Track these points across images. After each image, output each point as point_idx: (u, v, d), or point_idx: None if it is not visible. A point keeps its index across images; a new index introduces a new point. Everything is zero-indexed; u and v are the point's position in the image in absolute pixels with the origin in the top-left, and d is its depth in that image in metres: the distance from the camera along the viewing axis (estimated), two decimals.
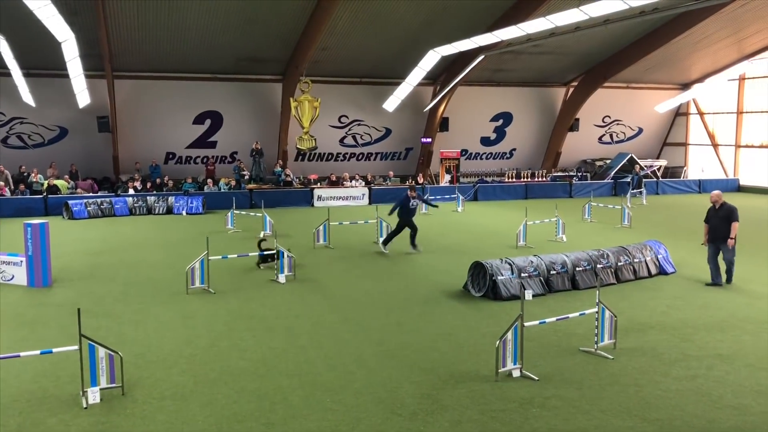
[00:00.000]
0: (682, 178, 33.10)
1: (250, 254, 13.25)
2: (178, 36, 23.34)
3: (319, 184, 27.97)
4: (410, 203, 15.34)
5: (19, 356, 7.17)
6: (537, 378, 7.54)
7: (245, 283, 12.42)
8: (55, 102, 25.31)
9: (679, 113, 34.93)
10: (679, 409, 6.76)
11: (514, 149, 33.03)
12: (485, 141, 32.38)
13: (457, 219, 21.82)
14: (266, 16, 22.48)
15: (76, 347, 6.83)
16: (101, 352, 6.98)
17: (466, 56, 25.17)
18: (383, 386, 7.38)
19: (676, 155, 35.27)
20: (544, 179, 30.81)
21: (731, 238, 11.94)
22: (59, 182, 24.33)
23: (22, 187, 24.17)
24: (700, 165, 34.14)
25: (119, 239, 17.93)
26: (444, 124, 29.99)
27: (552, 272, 11.70)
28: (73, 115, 25.64)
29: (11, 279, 12.44)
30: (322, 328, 9.62)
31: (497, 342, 7.51)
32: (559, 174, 31.62)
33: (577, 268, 11.93)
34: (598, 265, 12.13)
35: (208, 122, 27.92)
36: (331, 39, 24.18)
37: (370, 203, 25.76)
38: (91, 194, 24.36)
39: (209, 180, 26.12)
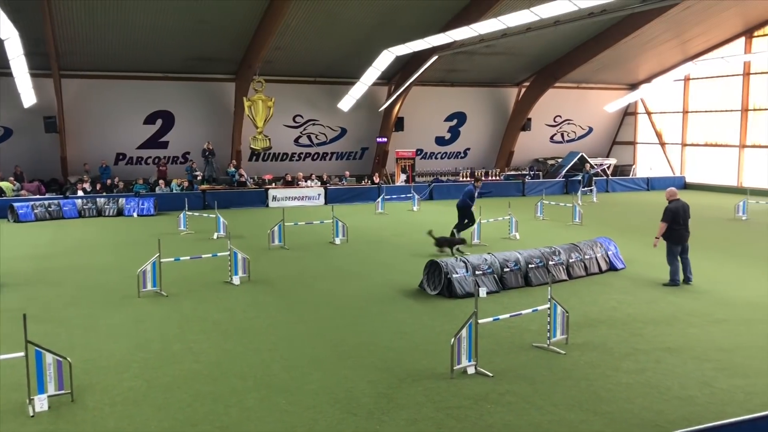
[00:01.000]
0: (631, 176, 33.91)
1: (203, 256, 13.07)
2: (127, 35, 22.86)
3: (273, 184, 27.77)
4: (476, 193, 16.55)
5: None
6: (491, 374, 7.64)
7: (198, 286, 12.25)
8: None
9: (628, 113, 35.82)
10: (629, 402, 6.93)
11: (468, 149, 33.37)
12: (440, 141, 32.63)
13: (412, 218, 21.94)
14: (218, 16, 22.20)
15: (22, 354, 6.64)
16: (49, 359, 6.79)
17: (420, 56, 25.32)
18: (339, 386, 7.38)
19: (625, 154, 36.15)
20: (498, 178, 31.20)
21: (656, 238, 12.14)
22: (3, 184, 23.58)
23: None
24: (648, 163, 35.07)
25: (68, 242, 17.47)
26: (399, 124, 30.11)
27: (506, 269, 11.86)
28: (17, 115, 24.84)
29: None
30: (278, 330, 9.57)
31: (452, 339, 7.58)
32: (513, 173, 32.08)
33: (530, 265, 12.12)
34: (551, 262, 12.35)
35: (159, 122, 27.41)
36: (285, 38, 24.03)
37: (326, 203, 25.71)
38: (38, 196, 23.66)
39: (161, 181, 25.66)
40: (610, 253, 13.54)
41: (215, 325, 9.81)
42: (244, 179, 27.14)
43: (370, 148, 31.07)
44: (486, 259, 11.88)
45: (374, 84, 27.19)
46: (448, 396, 7.08)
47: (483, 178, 27.03)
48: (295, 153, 30.05)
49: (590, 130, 35.63)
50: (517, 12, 17.74)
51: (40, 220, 21.52)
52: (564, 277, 12.46)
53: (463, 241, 15.34)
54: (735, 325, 9.62)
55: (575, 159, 31.85)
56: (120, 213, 22.89)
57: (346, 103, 27.99)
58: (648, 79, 33.69)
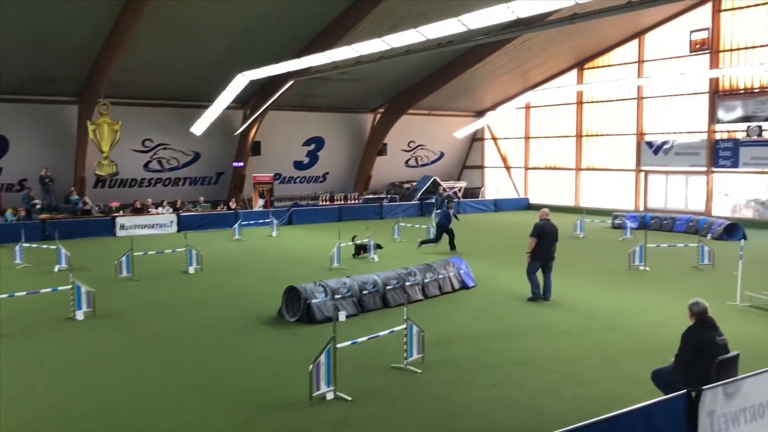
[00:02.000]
0: (480, 198, 35.68)
1: (41, 291, 12.06)
2: None
3: (121, 212, 26.31)
4: (451, 213, 18.85)
5: None
6: (350, 398, 7.64)
7: (37, 323, 11.28)
8: None
9: (476, 138, 37.77)
10: (482, 416, 7.20)
11: (327, 173, 33.59)
12: (298, 165, 32.59)
13: (271, 244, 21.64)
14: (60, 35, 20.87)
15: None
16: None
17: (276, 81, 25.21)
18: (194, 422, 7.07)
19: (474, 177, 38.03)
20: (357, 202, 31.63)
21: (527, 253, 12.72)
22: None
23: None
24: (495, 185, 37.09)
25: None
26: (256, 148, 29.73)
27: (364, 292, 11.99)
28: None
29: None
30: (126, 367, 9.01)
31: (311, 366, 7.51)
32: (371, 196, 32.67)
33: (388, 287, 12.33)
34: (407, 283, 12.65)
35: None
36: (133, 60, 23.02)
37: (179, 231, 24.69)
38: None
39: None
40: (461, 272, 14.09)
41: (55, 365, 9.07)
42: (88, 207, 25.49)
43: (226, 172, 30.38)
44: (345, 283, 11.94)
45: (229, 108, 26.66)
46: (307, 423, 6.99)
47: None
48: (145, 179, 28.74)
49: (442, 154, 37.14)
50: (370, 40, 18.17)
51: None
52: (420, 296, 12.79)
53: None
54: (576, 337, 10.32)
55: (429, 182, 33.03)
56: None
57: (200, 126, 27.19)
58: (493, 107, 35.75)
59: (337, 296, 11.54)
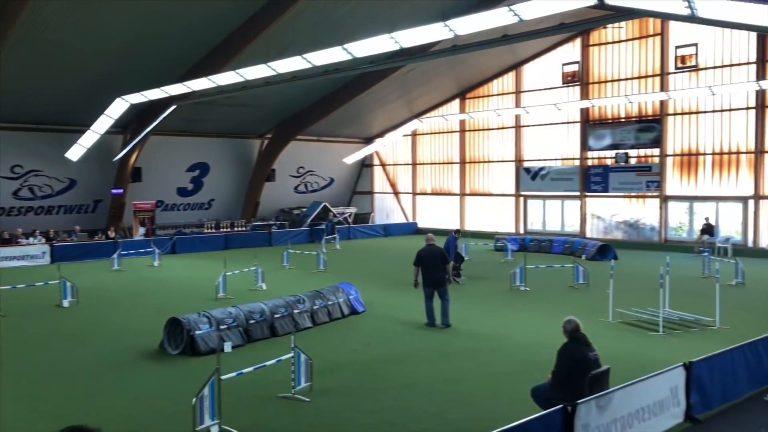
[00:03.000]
0: (370, 223, 36.03)
1: None
2: None
3: None
4: (456, 243, 18.58)
5: None
6: (236, 431, 7.42)
7: None
8: None
9: (365, 164, 38.23)
10: None
11: (213, 200, 32.81)
12: (182, 191, 31.63)
13: (153, 274, 20.76)
14: None
15: None
16: None
17: (158, 105, 24.43)
18: None
19: (364, 203, 38.41)
20: (244, 229, 31.04)
21: (414, 280, 12.90)
22: None
23: None
24: (384, 211, 37.61)
25: None
26: (136, 175, 28.60)
27: (251, 321, 11.74)
28: None
29: None
30: None
31: (194, 399, 7.23)
32: (259, 223, 32.17)
33: (276, 315, 12.15)
34: (295, 311, 12.51)
35: None
36: (2, 82, 21.59)
37: (52, 262, 23.16)
38: None
39: None
40: (351, 297, 14.11)
41: None
42: None
43: (104, 200, 28.97)
44: (231, 313, 11.64)
45: (108, 132, 25.53)
46: None
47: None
48: (14, 207, 26.88)
49: (332, 180, 37.28)
50: (255, 66, 18.05)
51: None
52: (309, 324, 12.68)
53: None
54: (461, 358, 10.57)
55: (319, 208, 33.00)
56: None
57: (76, 152, 25.85)
58: (381, 134, 36.39)
59: (222, 327, 11.23)
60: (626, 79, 27.37)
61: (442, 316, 12.67)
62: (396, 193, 37.14)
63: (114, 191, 28.43)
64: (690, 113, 25.74)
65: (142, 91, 21.43)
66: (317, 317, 12.94)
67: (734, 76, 24.35)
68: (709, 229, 24.28)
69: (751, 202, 24.29)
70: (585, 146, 28.74)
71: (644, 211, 27.25)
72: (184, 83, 20.42)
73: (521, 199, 31.33)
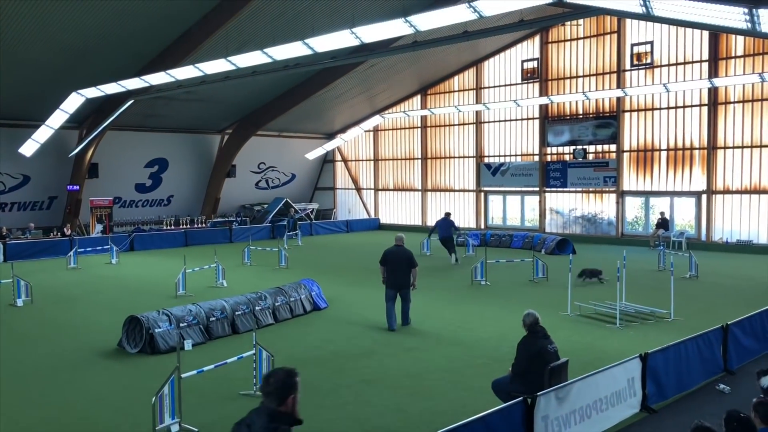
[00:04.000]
0: (332, 219, 35.94)
1: None
2: None
3: None
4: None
5: None
6: (197, 429, 7.36)
7: None
8: None
9: (327, 160, 38.10)
10: None
11: (172, 196, 32.32)
12: (140, 188, 31.07)
13: (111, 272, 20.37)
14: None
15: None
16: None
17: (115, 100, 23.96)
18: None
19: (326, 198, 38.28)
20: (204, 225, 30.66)
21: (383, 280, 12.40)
22: None
23: None
24: (347, 207, 37.56)
25: None
26: (93, 171, 27.99)
27: (212, 319, 11.63)
28: None
29: None
30: None
31: (153, 398, 7.14)
32: (220, 220, 31.79)
33: (237, 312, 12.05)
34: (257, 308, 12.43)
35: None
36: None
37: (5, 260, 22.52)
38: None
39: None
40: (313, 293, 14.08)
41: None
42: None
43: (59, 196, 28.29)
44: (191, 311, 11.51)
45: (63, 128, 24.94)
46: None
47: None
48: None
49: (293, 176, 37.06)
50: (215, 60, 17.85)
51: None
52: (271, 321, 12.61)
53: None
54: (422, 352, 10.64)
55: (280, 204, 32.76)
56: None
57: (29, 147, 25.19)
58: (343, 130, 36.29)
59: (182, 324, 11.09)
60: (584, 76, 27.81)
61: (403, 316, 12.39)
62: (358, 189, 37.12)
63: (70, 187, 27.78)
64: (646, 110, 26.31)
65: (99, 86, 20.98)
66: (279, 314, 12.88)
67: (688, 73, 24.97)
68: (664, 224, 24.86)
69: (704, 197, 24.95)
70: (544, 142, 29.13)
71: (602, 206, 27.77)
72: (142, 77, 20.07)
73: (482, 194, 31.61)
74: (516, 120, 30.17)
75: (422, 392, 8.64)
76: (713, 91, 24.47)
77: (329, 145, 36.32)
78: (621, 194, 27.04)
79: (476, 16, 12.88)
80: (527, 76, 29.52)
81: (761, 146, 23.65)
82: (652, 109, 26.11)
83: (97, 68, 22.43)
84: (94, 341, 11.49)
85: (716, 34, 23.84)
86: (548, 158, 29.17)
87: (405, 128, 34.66)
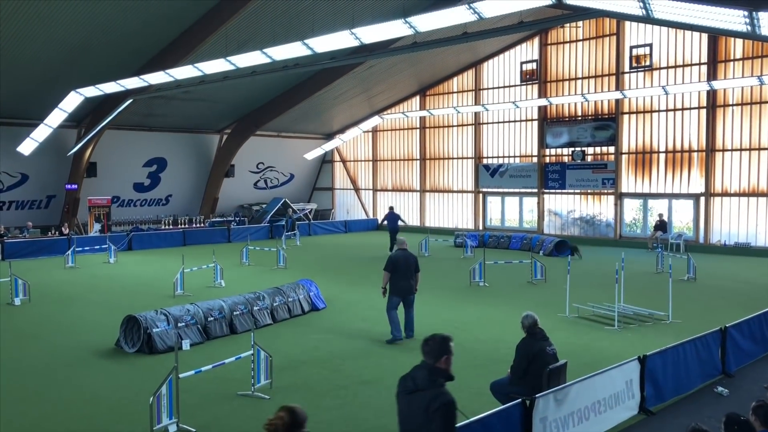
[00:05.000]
0: (330, 220, 35.93)
1: None
2: None
3: None
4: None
5: None
6: (194, 430, 7.34)
7: None
8: None
9: (326, 160, 38.09)
10: None
11: (170, 195, 32.28)
12: (139, 187, 31.04)
13: (109, 271, 20.33)
14: None
15: None
16: None
17: (114, 99, 23.93)
18: None
19: (324, 199, 38.28)
20: (203, 225, 30.64)
21: (382, 288, 11.59)
22: None
23: None
24: (345, 207, 37.55)
25: None
26: (92, 170, 27.95)
27: (210, 319, 11.61)
28: None
29: None
30: None
31: (151, 398, 7.12)
32: (218, 219, 31.77)
33: (235, 312, 12.03)
34: (255, 308, 12.41)
35: None
36: None
37: (3, 259, 22.49)
38: None
39: None
40: (311, 294, 14.06)
41: None
42: None
43: (57, 195, 28.25)
44: (189, 310, 11.49)
45: (61, 126, 24.92)
46: None
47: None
48: None
49: (292, 176, 37.05)
50: (214, 60, 17.84)
51: None
52: (269, 321, 12.59)
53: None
54: (420, 353, 10.56)
55: (279, 204, 32.74)
56: None
57: (28, 146, 25.16)
58: (341, 130, 36.28)
59: (180, 324, 11.07)
60: (583, 78, 27.83)
61: (408, 327, 11.59)
62: (356, 190, 37.10)
63: (68, 186, 27.75)
64: (644, 112, 26.33)
65: (98, 85, 20.96)
66: (277, 314, 12.86)
67: (687, 76, 24.99)
68: (662, 226, 24.88)
69: (702, 199, 24.98)
70: (543, 143, 29.14)
71: (600, 208, 27.78)
72: (141, 77, 20.06)
73: (480, 195, 31.61)
74: (515, 121, 30.19)
75: None
76: (712, 94, 24.49)
77: (328, 146, 36.31)
78: (619, 196, 27.05)
79: (476, 18, 12.88)
80: (526, 77, 29.53)
81: (759, 149, 23.69)
82: (651, 112, 26.13)
83: (96, 67, 22.41)
84: (92, 340, 11.46)
85: (715, 36, 23.86)
86: (547, 160, 29.18)
87: (404, 129, 34.67)
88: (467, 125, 31.97)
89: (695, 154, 25.12)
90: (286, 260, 20.58)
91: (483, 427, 5.95)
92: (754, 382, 9.04)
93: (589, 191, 27.93)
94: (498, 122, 30.84)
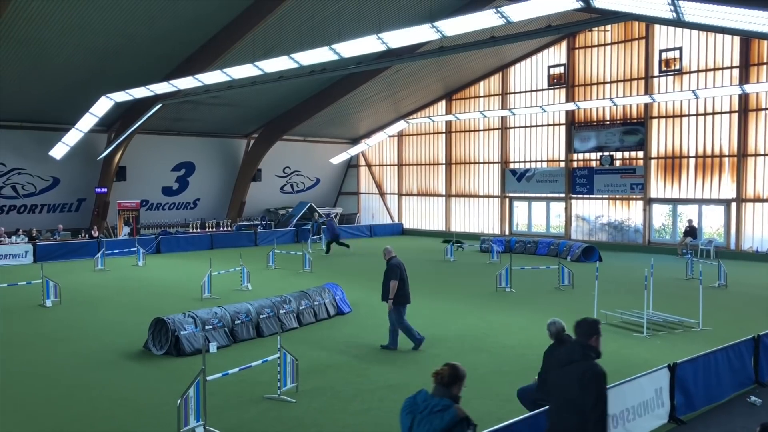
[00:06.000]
0: (356, 224, 35.99)
1: None
2: None
3: None
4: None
5: None
6: None
7: None
8: None
9: (351, 165, 38.19)
10: None
11: (198, 199, 32.63)
12: (167, 191, 31.42)
13: (138, 274, 20.60)
14: None
15: None
16: None
17: (143, 104, 24.28)
18: None
19: (350, 203, 38.37)
20: (230, 229, 30.90)
21: (390, 299, 11.02)
22: None
23: None
24: (370, 211, 37.60)
25: None
26: (121, 174, 28.37)
27: (237, 322, 11.68)
28: None
29: None
30: None
31: (179, 400, 7.18)
32: (245, 223, 32.03)
33: (261, 316, 12.10)
34: (281, 311, 12.46)
35: None
36: None
37: (35, 261, 22.93)
38: None
39: None
40: (337, 298, 14.09)
41: None
42: None
43: (87, 199, 28.72)
44: (216, 313, 11.58)
45: (92, 131, 25.35)
46: None
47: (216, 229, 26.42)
48: None
49: (318, 181, 37.21)
50: (242, 65, 17.99)
51: None
52: (295, 324, 12.64)
53: None
54: (446, 358, 10.44)
55: (305, 208, 32.91)
56: None
57: (59, 150, 25.62)
58: (367, 135, 36.35)
59: (207, 327, 11.16)
60: (611, 82, 27.55)
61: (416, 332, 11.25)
62: (382, 194, 37.13)
63: (98, 190, 28.20)
64: (674, 116, 25.97)
65: (128, 90, 21.27)
66: (303, 318, 12.90)
67: (718, 80, 24.61)
68: (692, 232, 24.49)
69: (733, 205, 24.54)
70: (570, 148, 28.89)
71: (628, 214, 27.44)
72: (170, 82, 20.31)
73: (507, 200, 31.43)
74: (542, 126, 29.98)
75: None
76: (744, 98, 24.06)
77: (353, 150, 36.40)
78: (648, 201, 26.70)
79: (503, 22, 12.81)
80: (554, 81, 29.32)
81: None
82: (681, 116, 25.76)
83: (125, 72, 22.76)
84: (121, 342, 11.60)
85: (747, 39, 23.46)
86: (574, 164, 28.92)
87: (429, 133, 34.64)
88: (494, 129, 31.83)
89: (726, 159, 24.70)
90: (311, 264, 20.65)
91: None
92: None
93: (617, 196, 27.60)
94: (525, 126, 30.66)
